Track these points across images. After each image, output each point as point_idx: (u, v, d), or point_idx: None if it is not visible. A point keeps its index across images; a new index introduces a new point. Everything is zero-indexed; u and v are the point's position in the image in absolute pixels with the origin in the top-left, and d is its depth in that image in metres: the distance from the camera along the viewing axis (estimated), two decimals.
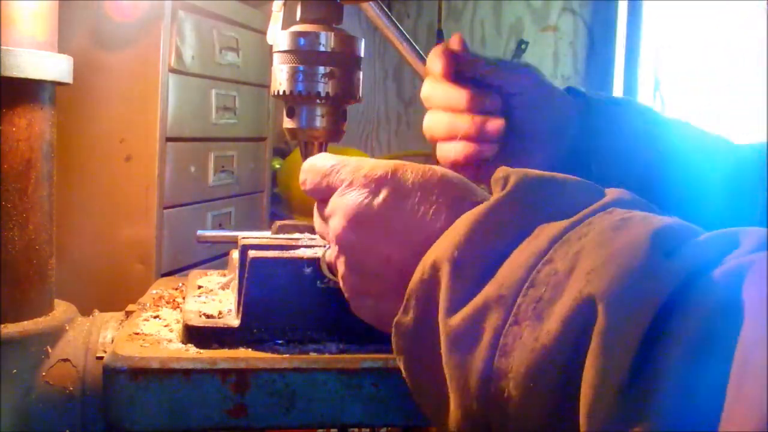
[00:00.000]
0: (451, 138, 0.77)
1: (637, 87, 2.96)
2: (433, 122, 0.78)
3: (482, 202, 0.47)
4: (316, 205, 0.58)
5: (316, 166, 0.56)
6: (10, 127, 0.68)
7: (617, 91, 2.99)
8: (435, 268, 0.45)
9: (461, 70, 0.76)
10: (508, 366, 0.40)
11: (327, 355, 0.62)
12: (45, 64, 0.69)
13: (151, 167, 1.51)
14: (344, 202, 0.52)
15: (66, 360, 0.67)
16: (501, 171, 0.48)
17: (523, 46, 2.94)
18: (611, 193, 0.46)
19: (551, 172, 0.48)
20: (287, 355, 0.61)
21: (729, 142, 0.86)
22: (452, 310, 0.43)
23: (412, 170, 0.51)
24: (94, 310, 0.75)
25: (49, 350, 0.67)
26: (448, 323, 0.43)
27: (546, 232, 0.43)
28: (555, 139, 0.79)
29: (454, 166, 0.78)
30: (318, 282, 0.63)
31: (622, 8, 2.98)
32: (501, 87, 0.77)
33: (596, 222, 0.42)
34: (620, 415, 0.34)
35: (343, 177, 0.53)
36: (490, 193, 0.49)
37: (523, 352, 0.39)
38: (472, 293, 0.43)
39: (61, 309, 0.73)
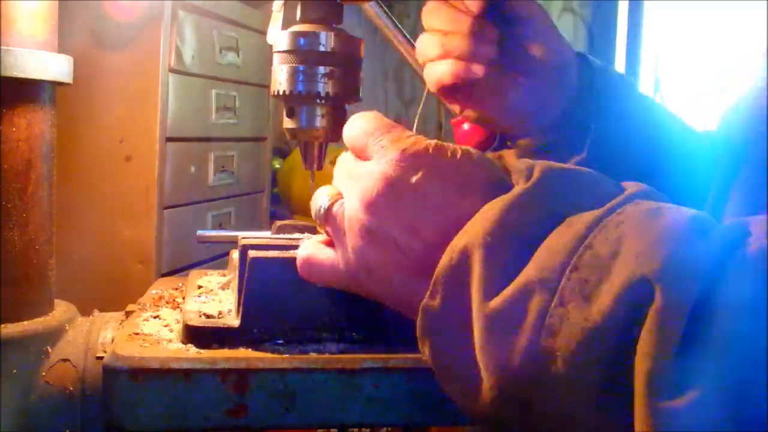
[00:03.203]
0: (443, 57, 0.76)
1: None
2: (427, 42, 0.77)
3: (511, 189, 0.48)
4: (342, 158, 0.58)
5: (365, 120, 0.56)
6: (10, 127, 0.68)
7: None
8: (465, 254, 0.46)
9: None
10: (556, 344, 0.41)
11: (327, 355, 0.62)
12: (45, 64, 0.69)
13: (151, 167, 1.51)
14: (380, 169, 0.52)
15: (66, 360, 0.67)
16: (524, 162, 0.50)
17: None
18: (631, 187, 0.48)
19: (570, 165, 0.50)
20: (287, 355, 0.61)
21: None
22: (490, 294, 0.44)
23: (451, 151, 0.52)
24: (94, 310, 0.75)
25: (49, 350, 0.67)
26: (487, 305, 0.44)
27: (581, 220, 0.44)
28: (549, 86, 0.77)
29: (441, 86, 0.77)
30: (318, 282, 0.63)
31: (622, 8, 2.98)
32: (508, 8, 0.75)
33: (629, 210, 0.44)
34: (678, 380, 0.36)
35: (384, 144, 0.53)
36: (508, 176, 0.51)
37: (573, 331, 0.41)
38: (508, 277, 0.44)
39: (61, 309, 0.73)
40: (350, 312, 0.64)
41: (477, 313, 0.45)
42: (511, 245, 0.45)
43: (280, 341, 0.64)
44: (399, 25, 0.79)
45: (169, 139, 1.56)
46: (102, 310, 0.75)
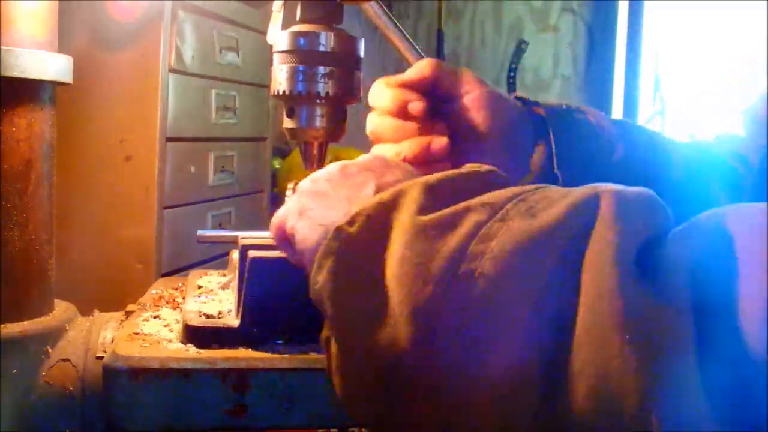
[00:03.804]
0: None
1: (637, 87, 2.96)
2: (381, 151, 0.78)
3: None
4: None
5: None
6: (10, 127, 0.68)
7: (617, 91, 2.99)
8: (399, 193, 0.46)
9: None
10: (487, 248, 0.39)
11: None
12: (45, 64, 0.69)
13: (151, 167, 1.51)
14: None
15: (66, 360, 0.67)
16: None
17: (523, 46, 2.94)
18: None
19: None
20: (287, 355, 0.61)
21: (673, 141, 0.87)
22: (424, 212, 0.43)
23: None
24: (94, 310, 0.75)
25: (49, 350, 0.67)
26: (418, 219, 0.43)
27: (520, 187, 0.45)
28: (503, 141, 0.78)
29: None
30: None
31: (622, 8, 2.98)
32: (447, 92, 0.76)
33: (543, 189, 0.45)
34: (641, 287, 0.36)
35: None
36: None
37: (512, 235, 0.39)
38: (446, 205, 0.43)
39: (61, 309, 0.73)
40: None
41: (404, 227, 0.43)
42: (453, 191, 0.46)
43: (280, 341, 0.64)
44: (399, 25, 0.79)
45: (169, 139, 1.55)
46: (102, 310, 0.75)
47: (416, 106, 0.72)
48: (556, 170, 0.73)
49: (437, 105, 0.74)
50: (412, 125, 0.73)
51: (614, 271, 0.36)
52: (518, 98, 0.80)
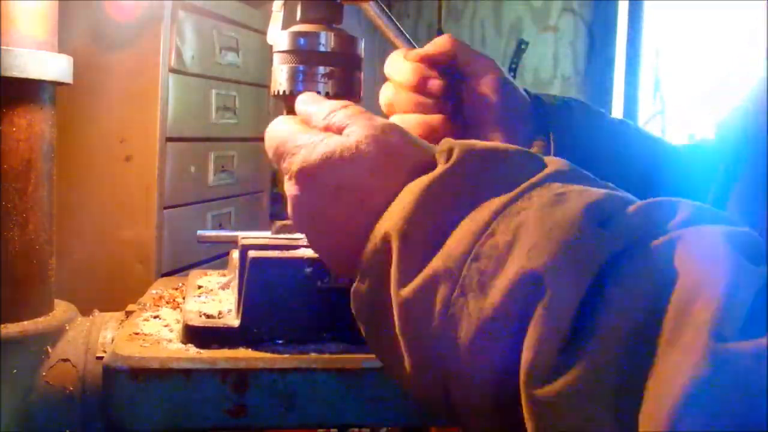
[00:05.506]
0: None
1: (637, 87, 2.96)
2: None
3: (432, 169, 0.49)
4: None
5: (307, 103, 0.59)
6: (10, 127, 0.68)
7: (617, 91, 2.99)
8: (386, 240, 0.47)
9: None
10: (458, 335, 0.42)
11: (327, 355, 0.62)
12: (45, 64, 0.69)
13: (151, 167, 1.51)
14: (356, 139, 0.52)
15: (66, 360, 0.67)
16: (445, 143, 0.50)
17: (523, 46, 2.94)
18: (551, 164, 0.48)
19: (494, 143, 0.50)
20: (287, 355, 0.61)
21: (669, 144, 0.87)
22: (403, 283, 0.45)
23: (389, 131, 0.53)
24: (94, 310, 0.75)
25: (49, 350, 0.67)
26: (399, 294, 0.45)
27: (488, 205, 0.45)
28: (506, 129, 0.78)
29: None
30: (318, 282, 0.63)
31: (622, 8, 2.98)
32: (462, 70, 0.77)
33: (535, 196, 0.44)
34: (556, 369, 0.37)
35: (340, 123, 0.54)
36: None
37: (470, 323, 0.42)
38: (421, 265, 0.45)
39: (61, 309, 0.73)
40: (350, 312, 0.64)
41: (393, 300, 0.46)
42: (427, 231, 0.46)
43: (280, 341, 0.64)
44: (399, 25, 0.79)
45: (169, 139, 1.55)
46: (102, 310, 0.75)
47: (436, 83, 0.74)
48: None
49: (450, 81, 0.75)
50: (428, 102, 0.74)
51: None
52: (525, 91, 0.81)
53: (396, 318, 0.46)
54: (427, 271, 0.45)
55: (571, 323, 0.37)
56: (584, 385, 0.36)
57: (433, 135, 0.74)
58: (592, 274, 0.38)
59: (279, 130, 0.58)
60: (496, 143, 0.51)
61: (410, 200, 0.47)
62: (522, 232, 0.42)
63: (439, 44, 0.75)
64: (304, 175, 0.53)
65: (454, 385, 0.44)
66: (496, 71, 0.76)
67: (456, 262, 0.43)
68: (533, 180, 0.46)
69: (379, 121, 0.54)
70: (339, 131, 0.54)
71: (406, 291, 0.45)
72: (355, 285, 0.50)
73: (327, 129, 0.55)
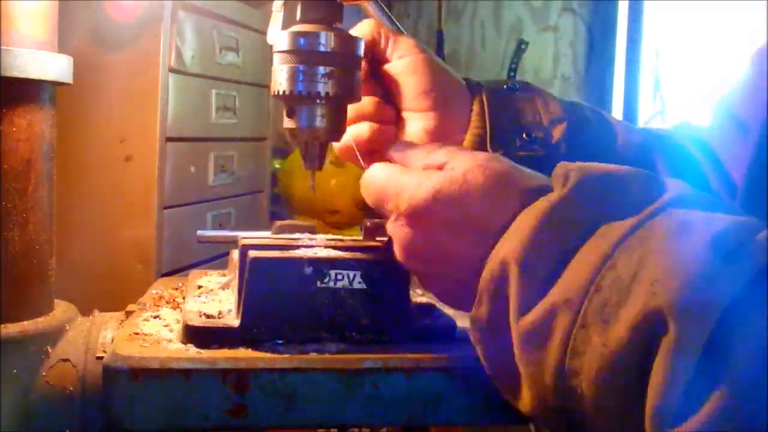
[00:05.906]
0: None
1: (637, 87, 2.96)
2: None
3: (546, 192, 0.49)
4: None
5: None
6: (10, 127, 0.68)
7: (617, 91, 2.99)
8: (503, 268, 0.48)
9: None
10: (580, 366, 0.43)
11: (327, 355, 0.62)
12: (45, 64, 0.69)
13: (151, 167, 1.51)
14: (462, 171, 0.53)
15: (66, 360, 0.67)
16: (561, 167, 0.50)
17: (523, 46, 2.94)
18: (672, 188, 0.48)
19: (609, 165, 0.50)
20: (287, 355, 0.61)
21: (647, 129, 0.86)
22: (522, 312, 0.46)
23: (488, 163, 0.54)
24: (94, 310, 0.75)
25: (49, 350, 0.67)
26: (519, 324, 0.46)
27: (608, 235, 0.45)
28: (436, 107, 0.75)
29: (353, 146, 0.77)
30: (318, 282, 0.63)
31: (622, 8, 2.98)
32: (382, 54, 0.75)
33: (657, 226, 0.44)
34: (684, 412, 0.37)
35: (441, 161, 0.55)
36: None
37: (594, 356, 0.42)
38: (540, 294, 0.46)
39: (61, 309, 0.73)
40: (350, 312, 0.64)
41: (512, 327, 0.47)
42: (544, 260, 0.46)
43: (280, 341, 0.64)
44: (399, 25, 0.79)
45: (169, 139, 1.55)
46: (102, 310, 0.75)
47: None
48: (488, 146, 0.72)
49: (373, 67, 0.74)
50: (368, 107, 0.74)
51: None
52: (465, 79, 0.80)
53: (515, 346, 0.47)
54: (546, 301, 0.45)
55: (694, 365, 0.38)
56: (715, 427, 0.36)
57: (365, 118, 0.73)
58: (716, 315, 0.38)
59: (377, 175, 0.58)
60: (614, 166, 0.50)
61: (528, 226, 0.47)
62: (646, 264, 0.42)
63: (358, 29, 0.74)
64: (415, 213, 0.53)
65: (580, 409, 0.44)
66: (418, 53, 0.74)
67: (576, 294, 0.44)
68: (654, 206, 0.45)
69: (479, 153, 0.55)
70: (440, 169, 0.54)
71: (525, 320, 0.46)
72: (473, 312, 0.50)
73: (427, 168, 0.56)
